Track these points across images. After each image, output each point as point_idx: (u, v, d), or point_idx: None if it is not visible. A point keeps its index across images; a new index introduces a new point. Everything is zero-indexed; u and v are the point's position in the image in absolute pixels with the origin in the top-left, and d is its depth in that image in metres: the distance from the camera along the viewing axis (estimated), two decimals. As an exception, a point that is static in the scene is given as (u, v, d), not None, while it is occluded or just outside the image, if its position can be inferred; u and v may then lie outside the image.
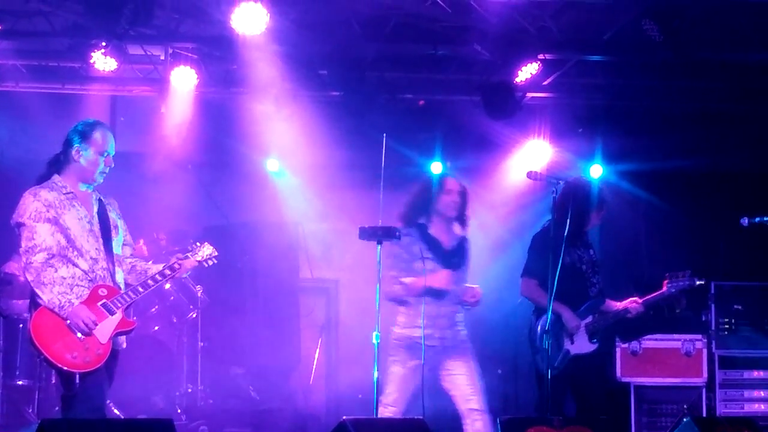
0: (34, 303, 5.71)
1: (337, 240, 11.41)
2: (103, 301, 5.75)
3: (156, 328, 9.91)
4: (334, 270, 11.91)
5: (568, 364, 7.23)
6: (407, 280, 6.86)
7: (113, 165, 5.97)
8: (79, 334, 5.63)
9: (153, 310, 9.83)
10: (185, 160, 10.91)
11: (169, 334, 10.02)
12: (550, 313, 6.69)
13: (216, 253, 6.28)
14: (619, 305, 7.52)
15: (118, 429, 5.83)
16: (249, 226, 11.32)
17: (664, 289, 7.51)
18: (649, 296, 7.55)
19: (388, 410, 6.79)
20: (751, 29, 9.13)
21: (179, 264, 6.06)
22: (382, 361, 6.78)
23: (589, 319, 7.36)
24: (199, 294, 9.92)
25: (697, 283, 7.45)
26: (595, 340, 7.31)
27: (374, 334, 6.76)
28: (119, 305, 5.79)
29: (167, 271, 6.01)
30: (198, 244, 6.28)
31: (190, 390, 9.82)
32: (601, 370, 7.70)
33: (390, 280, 6.85)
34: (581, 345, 7.30)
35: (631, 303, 7.51)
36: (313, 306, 11.82)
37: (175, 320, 9.98)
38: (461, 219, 7.12)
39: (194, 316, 9.99)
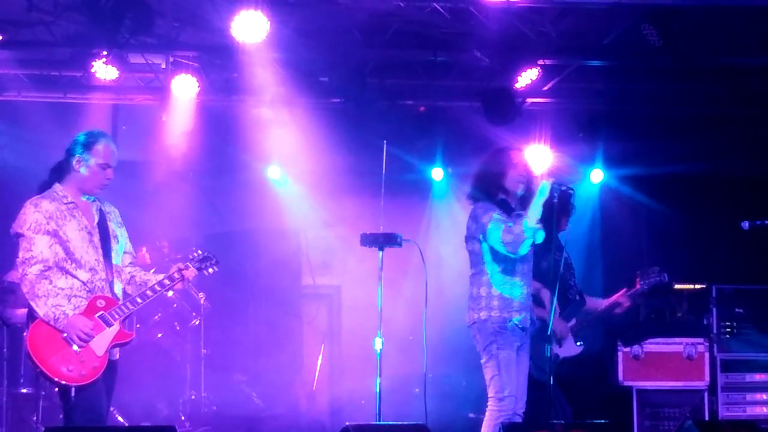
0: (31, 316, 5.70)
1: (339, 246, 11.43)
2: (101, 312, 5.72)
3: (159, 335, 9.92)
4: (335, 276, 11.94)
5: (557, 368, 7.30)
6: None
7: (113, 178, 5.91)
8: (75, 347, 5.60)
9: (156, 317, 9.83)
10: (187, 168, 10.94)
11: (172, 342, 10.02)
12: (552, 318, 6.70)
13: (217, 260, 6.27)
14: (602, 303, 7.65)
15: (122, 436, 5.84)
16: (251, 234, 11.34)
17: (638, 286, 7.63)
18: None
19: (505, 403, 6.49)
20: (750, 33, 9.15)
21: (179, 274, 6.01)
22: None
23: (573, 321, 7.47)
24: (201, 301, 9.92)
25: (667, 278, 7.60)
26: (580, 343, 7.42)
27: (376, 339, 6.77)
28: (117, 317, 5.75)
29: (167, 282, 5.97)
30: (199, 252, 6.26)
31: (193, 397, 9.82)
32: (594, 371, 7.76)
33: (504, 229, 6.42)
34: (569, 348, 7.44)
35: (614, 298, 7.69)
36: (316, 312, 11.85)
37: (178, 327, 9.97)
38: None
39: (197, 323, 9.98)
